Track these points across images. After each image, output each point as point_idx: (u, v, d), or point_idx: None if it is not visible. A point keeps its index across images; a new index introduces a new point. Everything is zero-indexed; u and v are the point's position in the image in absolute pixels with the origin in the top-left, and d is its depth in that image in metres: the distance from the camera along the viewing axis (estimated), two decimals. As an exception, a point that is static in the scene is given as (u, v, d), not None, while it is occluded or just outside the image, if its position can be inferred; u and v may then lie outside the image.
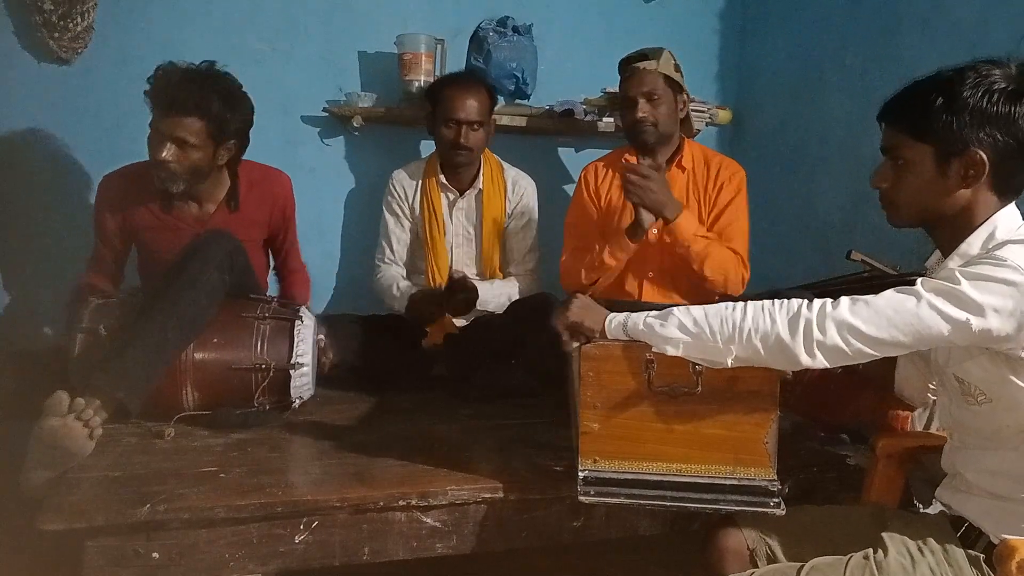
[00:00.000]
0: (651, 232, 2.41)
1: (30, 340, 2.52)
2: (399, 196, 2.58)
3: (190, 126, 2.00)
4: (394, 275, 2.58)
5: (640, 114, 2.33)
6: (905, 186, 1.31)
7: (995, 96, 1.22)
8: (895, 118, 1.32)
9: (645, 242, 2.40)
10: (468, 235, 2.59)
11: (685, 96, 2.43)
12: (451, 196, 2.56)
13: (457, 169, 2.52)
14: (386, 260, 2.60)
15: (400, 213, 2.59)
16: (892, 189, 1.33)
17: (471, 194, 2.55)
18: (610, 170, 2.50)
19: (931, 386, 1.51)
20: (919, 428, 1.73)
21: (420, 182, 2.57)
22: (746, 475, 1.41)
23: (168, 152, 2.00)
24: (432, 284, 2.48)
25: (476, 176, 2.55)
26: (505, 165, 2.63)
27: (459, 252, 2.59)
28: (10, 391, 1.96)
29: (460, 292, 2.29)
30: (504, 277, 2.62)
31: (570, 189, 2.63)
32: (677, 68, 2.38)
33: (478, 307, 2.38)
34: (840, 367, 1.30)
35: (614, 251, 2.32)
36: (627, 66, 2.36)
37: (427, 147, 2.62)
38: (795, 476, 1.63)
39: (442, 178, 2.54)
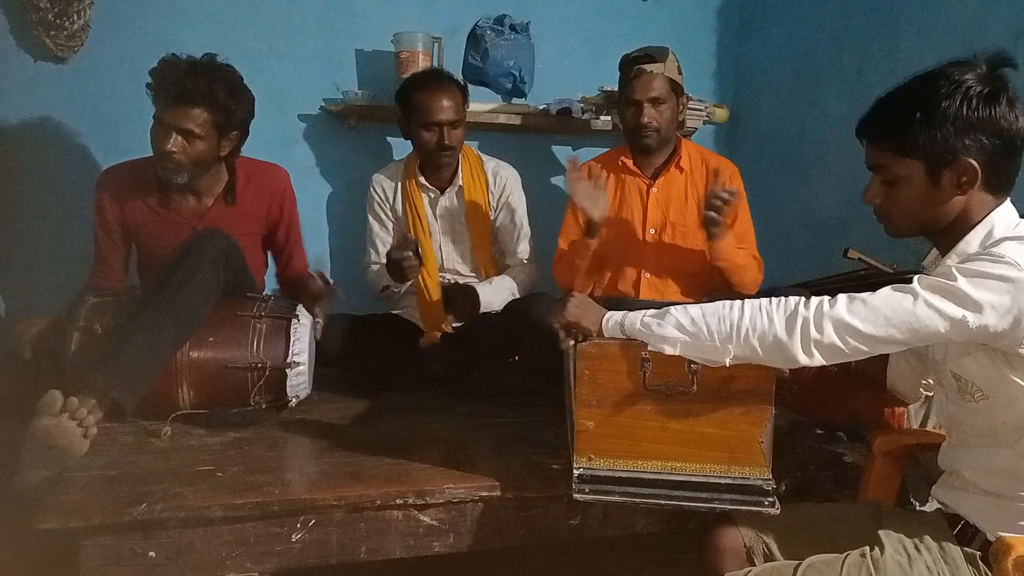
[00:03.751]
0: (648, 232, 2.41)
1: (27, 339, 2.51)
2: (380, 199, 2.56)
3: (196, 117, 2.00)
4: (382, 269, 2.53)
5: (645, 119, 2.30)
6: (899, 201, 1.30)
7: (973, 101, 1.21)
8: (876, 137, 1.31)
9: (642, 241, 2.41)
10: (456, 232, 2.57)
11: (685, 98, 2.42)
12: (432, 195, 2.54)
13: (439, 169, 2.50)
14: (373, 263, 2.59)
15: (383, 216, 2.57)
16: (886, 204, 1.33)
17: (452, 191, 2.53)
18: (604, 171, 2.49)
19: (924, 382, 1.51)
20: (915, 426, 1.73)
21: (400, 183, 2.55)
22: (741, 474, 1.41)
23: (174, 143, 2.00)
24: (423, 285, 2.46)
25: (455, 173, 2.53)
26: (484, 157, 2.61)
27: (448, 250, 2.57)
28: (6, 391, 1.95)
29: (462, 302, 2.29)
30: (501, 270, 2.61)
31: (567, 187, 2.62)
32: (679, 70, 2.36)
33: (482, 309, 2.37)
34: (836, 364, 1.30)
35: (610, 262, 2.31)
36: (632, 66, 2.31)
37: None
38: (792, 474, 1.64)
39: (421, 179, 2.51)
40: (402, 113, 2.46)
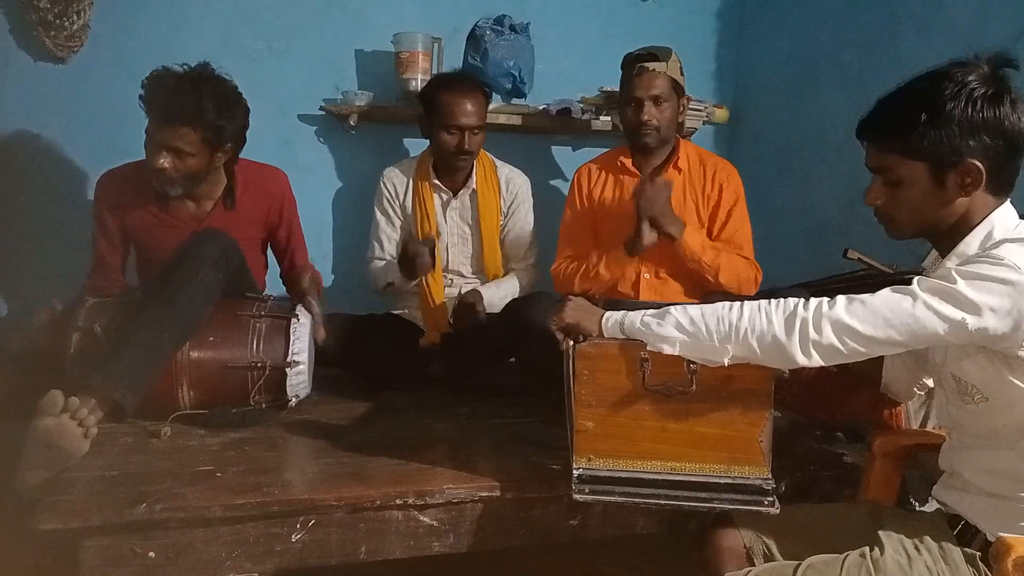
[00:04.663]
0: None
1: (26, 340, 2.51)
2: (390, 194, 2.55)
3: (185, 136, 1.98)
4: (389, 264, 2.53)
5: (645, 117, 2.30)
6: (902, 202, 1.30)
7: (979, 103, 1.21)
8: (879, 138, 1.31)
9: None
10: (464, 235, 2.57)
11: (686, 99, 2.42)
12: (444, 196, 2.54)
13: (454, 171, 2.50)
14: (377, 258, 2.58)
15: (391, 212, 2.56)
16: (888, 206, 1.32)
17: (465, 194, 2.53)
18: (603, 172, 2.49)
19: (920, 382, 1.51)
20: (915, 427, 1.73)
21: (411, 181, 2.54)
22: (741, 474, 1.41)
23: (164, 160, 1.99)
24: (426, 287, 2.46)
25: (469, 175, 2.53)
26: (498, 162, 2.61)
27: (455, 252, 2.57)
28: (6, 391, 1.95)
29: (469, 317, 2.29)
30: (505, 274, 2.61)
31: (566, 188, 2.62)
32: (681, 71, 2.36)
33: (487, 310, 2.37)
34: (836, 365, 1.30)
35: (610, 264, 2.32)
36: (634, 64, 2.31)
37: (423, 145, 2.61)
38: (792, 474, 1.64)
39: (435, 180, 2.51)
40: (424, 111, 2.45)
